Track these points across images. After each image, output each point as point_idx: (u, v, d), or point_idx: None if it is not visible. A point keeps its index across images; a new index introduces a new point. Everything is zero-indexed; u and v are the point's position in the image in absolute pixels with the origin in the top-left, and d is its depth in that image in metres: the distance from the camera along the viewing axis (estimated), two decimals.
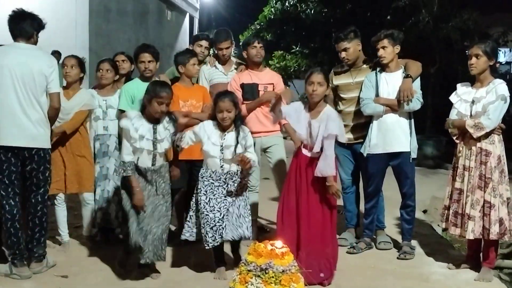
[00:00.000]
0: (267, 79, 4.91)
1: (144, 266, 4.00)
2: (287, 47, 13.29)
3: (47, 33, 4.23)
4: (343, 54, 4.76)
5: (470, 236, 4.10)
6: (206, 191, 3.97)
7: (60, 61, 4.48)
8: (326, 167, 3.89)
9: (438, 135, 10.08)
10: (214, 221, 3.92)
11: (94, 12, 8.98)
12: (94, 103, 4.60)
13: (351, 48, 4.73)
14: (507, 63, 17.27)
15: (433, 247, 4.88)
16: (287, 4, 13.45)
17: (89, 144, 4.61)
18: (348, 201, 4.99)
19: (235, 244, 4.20)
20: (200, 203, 3.98)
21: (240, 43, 14.40)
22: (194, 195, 4.09)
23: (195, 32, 15.21)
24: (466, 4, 10.45)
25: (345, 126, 4.75)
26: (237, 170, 4.01)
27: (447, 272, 4.30)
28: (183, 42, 14.51)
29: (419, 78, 4.61)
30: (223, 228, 3.94)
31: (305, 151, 4.08)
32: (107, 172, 4.64)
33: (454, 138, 4.27)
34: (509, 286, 4.53)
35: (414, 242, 4.82)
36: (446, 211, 4.29)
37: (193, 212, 4.07)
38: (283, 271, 3.15)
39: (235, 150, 3.95)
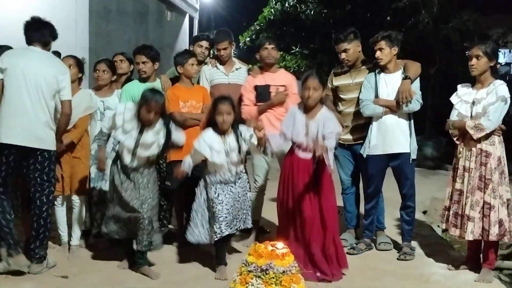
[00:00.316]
0: (280, 80, 4.88)
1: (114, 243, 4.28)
2: (287, 48, 13.29)
3: None
4: (343, 55, 4.76)
5: (469, 237, 4.10)
6: (216, 189, 4.05)
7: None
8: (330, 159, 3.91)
9: (438, 136, 10.08)
10: (222, 211, 3.99)
11: (94, 12, 8.97)
12: (95, 104, 4.60)
13: (351, 49, 4.73)
14: (507, 64, 17.28)
15: (433, 248, 4.88)
16: (286, 5, 13.45)
17: (88, 146, 4.59)
18: (348, 202, 4.99)
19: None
20: (211, 199, 4.06)
21: (240, 44, 14.39)
22: (197, 195, 4.15)
23: (195, 32, 15.20)
24: (466, 5, 10.44)
25: (345, 127, 4.77)
26: (242, 170, 4.15)
27: (447, 273, 4.30)
28: (183, 42, 14.49)
29: (418, 79, 4.61)
30: (229, 220, 4.01)
31: (298, 151, 4.08)
32: (104, 173, 4.63)
33: (455, 139, 4.27)
34: (509, 287, 4.54)
35: (414, 243, 4.83)
36: (446, 212, 4.30)
37: (195, 213, 4.15)
38: (283, 271, 3.16)
39: (239, 152, 4.03)
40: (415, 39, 10.16)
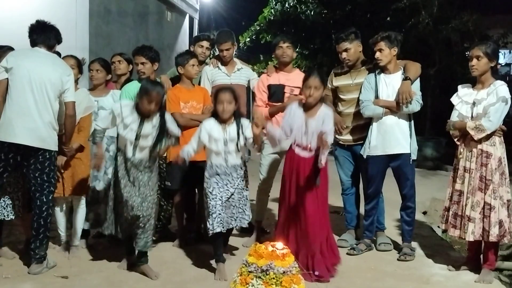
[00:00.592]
0: (295, 81, 4.78)
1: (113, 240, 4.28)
2: (293, 47, 13.27)
3: None
4: (344, 55, 4.76)
5: (470, 238, 4.10)
6: (210, 177, 4.04)
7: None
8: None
9: (438, 137, 10.09)
10: (215, 207, 3.97)
11: (94, 12, 8.97)
12: (93, 102, 4.60)
13: (352, 48, 4.72)
14: (507, 64, 17.29)
15: (433, 249, 4.88)
16: (286, 5, 13.44)
17: (89, 146, 4.57)
18: (348, 203, 4.99)
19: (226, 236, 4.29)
20: (204, 191, 4.07)
21: (240, 44, 14.37)
22: (204, 195, 4.16)
23: (195, 33, 15.19)
24: (466, 5, 10.45)
25: (345, 127, 4.77)
26: (240, 163, 4.09)
27: (447, 273, 4.30)
28: (183, 43, 14.49)
29: (418, 80, 4.61)
30: (222, 217, 4.00)
31: (298, 150, 4.09)
32: (97, 173, 4.63)
33: (455, 139, 4.27)
34: (509, 287, 4.53)
35: (414, 244, 4.83)
36: (446, 212, 4.29)
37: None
38: (283, 272, 3.15)
39: (237, 143, 4.02)
40: (415, 39, 10.17)
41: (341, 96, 4.85)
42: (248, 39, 14.03)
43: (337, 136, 4.74)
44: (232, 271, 3.68)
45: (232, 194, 4.06)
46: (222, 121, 4.04)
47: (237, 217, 4.11)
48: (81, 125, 4.43)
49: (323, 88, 4.11)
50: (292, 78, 4.86)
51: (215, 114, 4.09)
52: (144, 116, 3.94)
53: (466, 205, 4.11)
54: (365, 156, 4.63)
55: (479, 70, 4.13)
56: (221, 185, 4.03)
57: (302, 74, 5.07)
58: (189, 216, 5.02)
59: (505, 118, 4.13)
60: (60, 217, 4.56)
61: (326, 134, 3.85)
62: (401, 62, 4.66)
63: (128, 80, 4.97)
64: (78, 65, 4.58)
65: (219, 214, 3.99)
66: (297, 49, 12.92)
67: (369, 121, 4.63)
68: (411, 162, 4.58)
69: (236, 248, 4.68)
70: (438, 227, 5.36)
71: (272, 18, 13.68)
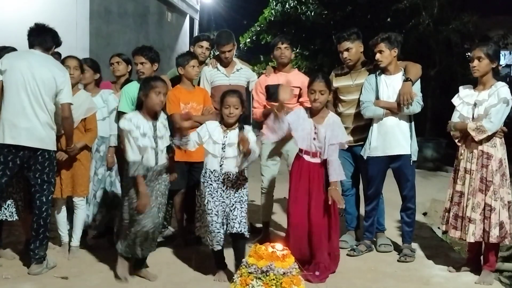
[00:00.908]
0: (295, 81, 4.75)
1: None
2: (292, 48, 13.27)
3: None
4: (345, 54, 4.75)
5: (470, 239, 4.09)
6: (206, 193, 3.91)
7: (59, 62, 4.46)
8: (337, 173, 3.96)
9: (438, 138, 10.09)
10: (212, 224, 3.87)
11: (95, 13, 8.97)
12: (95, 103, 4.59)
13: (354, 48, 4.72)
14: (507, 65, 17.29)
15: (433, 250, 4.88)
16: (287, 6, 13.43)
17: (89, 147, 4.58)
18: (348, 204, 4.97)
19: (236, 242, 3.98)
20: (201, 207, 3.98)
21: (240, 45, 14.33)
22: (197, 198, 4.07)
23: (195, 33, 15.19)
24: (466, 6, 10.45)
25: (345, 128, 4.76)
26: (236, 172, 3.89)
27: (447, 275, 4.30)
28: (183, 43, 14.49)
29: (419, 81, 4.61)
30: (221, 233, 3.88)
31: (307, 158, 4.08)
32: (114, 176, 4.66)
33: (456, 140, 4.27)
34: None
35: (414, 245, 4.83)
36: (446, 213, 4.29)
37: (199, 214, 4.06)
38: (284, 273, 3.15)
39: (238, 148, 3.86)
40: (415, 40, 10.17)
41: (342, 97, 4.85)
42: (249, 40, 14.03)
43: None
44: (232, 271, 3.68)
45: (228, 205, 3.88)
46: (226, 125, 3.93)
47: (240, 221, 3.87)
48: (88, 126, 4.44)
49: (329, 92, 4.08)
50: (291, 78, 4.81)
51: (220, 119, 3.96)
52: (152, 118, 3.87)
53: (466, 206, 4.11)
54: (365, 157, 4.63)
55: (480, 71, 4.13)
56: (216, 198, 3.88)
57: (301, 74, 5.09)
58: (189, 217, 5.02)
59: (506, 120, 4.13)
60: (60, 217, 4.56)
61: (331, 151, 3.95)
62: (402, 63, 4.66)
63: (128, 81, 4.97)
64: (81, 66, 4.58)
65: (218, 232, 3.87)
66: (298, 50, 12.96)
67: (369, 122, 4.63)
68: (411, 163, 4.58)
69: None
70: (438, 228, 5.35)
71: (272, 19, 13.67)
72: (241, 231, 3.84)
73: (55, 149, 4.15)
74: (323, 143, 4.01)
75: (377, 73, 4.61)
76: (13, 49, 4.44)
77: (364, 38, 4.79)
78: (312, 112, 4.09)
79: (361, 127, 4.74)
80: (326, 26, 12.51)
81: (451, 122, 4.27)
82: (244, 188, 3.95)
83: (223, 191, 3.89)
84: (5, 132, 3.93)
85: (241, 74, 5.12)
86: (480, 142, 4.08)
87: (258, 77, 5.21)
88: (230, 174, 3.88)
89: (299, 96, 4.81)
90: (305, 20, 13.01)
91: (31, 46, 4.15)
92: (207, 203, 3.89)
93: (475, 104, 4.14)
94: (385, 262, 4.54)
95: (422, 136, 9.59)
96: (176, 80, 4.87)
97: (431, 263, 4.56)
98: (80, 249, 4.59)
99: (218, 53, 5.15)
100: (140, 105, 3.91)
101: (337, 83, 4.87)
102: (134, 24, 11.08)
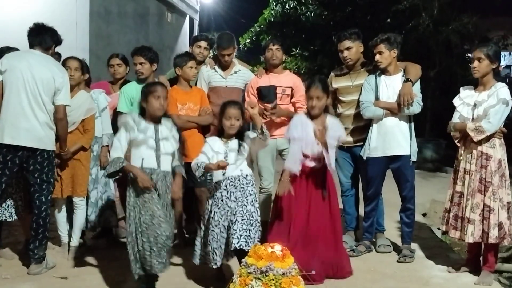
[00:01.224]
0: (286, 82, 4.80)
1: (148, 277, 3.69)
2: (287, 50, 13.16)
3: None
4: (345, 53, 4.74)
5: (469, 239, 4.10)
6: (212, 205, 3.82)
7: (59, 63, 4.46)
8: (291, 161, 3.93)
9: (438, 138, 10.09)
10: (217, 235, 3.76)
11: (95, 13, 8.99)
12: (94, 104, 4.59)
13: (354, 47, 4.72)
14: (507, 66, 17.31)
15: (433, 251, 4.88)
16: (287, 6, 13.44)
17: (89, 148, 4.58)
18: (347, 204, 4.99)
19: (239, 257, 3.74)
20: (205, 220, 3.86)
21: (240, 45, 14.32)
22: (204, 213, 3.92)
23: (195, 34, 15.22)
24: (466, 7, 10.45)
25: (345, 129, 4.76)
26: (238, 175, 3.81)
27: (447, 275, 4.30)
28: (183, 44, 14.51)
29: (419, 81, 4.61)
30: (221, 249, 3.77)
31: (307, 162, 4.07)
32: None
33: (456, 141, 4.28)
34: None
35: (414, 245, 4.82)
36: (446, 214, 4.30)
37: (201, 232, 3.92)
38: (283, 273, 3.15)
39: (238, 152, 3.81)
40: (415, 41, 10.17)
41: (341, 98, 4.85)
42: (248, 40, 14.04)
43: None
44: (232, 272, 3.69)
45: (230, 211, 3.75)
46: (226, 136, 3.86)
47: (240, 235, 3.67)
48: (85, 127, 4.44)
49: (327, 97, 4.07)
50: (283, 80, 4.83)
51: (220, 131, 3.88)
52: (154, 121, 3.69)
53: (466, 206, 4.11)
54: (365, 158, 4.63)
55: (480, 72, 4.13)
56: (222, 207, 3.77)
57: (292, 74, 5.08)
58: (188, 217, 5.02)
59: (506, 120, 4.13)
60: (60, 217, 4.56)
61: (330, 137, 3.90)
62: (401, 63, 4.67)
63: (125, 82, 4.96)
64: (82, 67, 4.57)
65: (221, 246, 3.76)
66: (297, 51, 12.98)
67: (368, 122, 4.63)
68: (411, 164, 4.58)
69: None
70: (438, 229, 5.35)
71: (272, 20, 13.69)
72: (240, 246, 3.64)
73: (54, 149, 4.15)
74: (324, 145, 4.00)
75: (377, 73, 4.61)
76: (17, 50, 4.44)
77: (364, 39, 4.79)
78: (312, 117, 4.09)
79: (360, 128, 4.74)
80: (326, 27, 12.52)
81: (451, 122, 4.28)
82: (250, 195, 3.81)
83: (228, 198, 3.79)
84: (4, 132, 3.94)
85: (239, 76, 5.05)
86: (479, 143, 4.08)
87: None
88: (232, 178, 3.82)
89: (292, 96, 4.81)
90: (305, 20, 13.02)
91: (31, 46, 4.16)
92: (214, 214, 3.78)
93: (475, 105, 4.15)
94: (384, 262, 4.54)
95: (422, 137, 9.60)
96: (175, 81, 4.87)
97: (431, 263, 4.56)
98: (80, 249, 4.58)
99: (219, 56, 5.08)
100: (142, 110, 3.74)
101: (336, 84, 4.88)
102: (134, 24, 11.09)
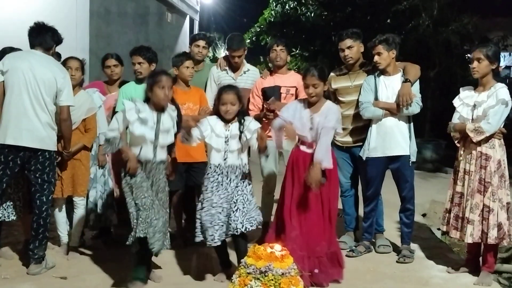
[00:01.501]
0: (291, 82, 4.81)
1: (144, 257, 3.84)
2: (287, 50, 13.28)
3: None
4: (346, 52, 4.74)
5: (469, 240, 4.10)
6: (212, 188, 3.88)
7: (59, 62, 4.46)
8: (323, 156, 3.84)
9: (438, 139, 10.09)
10: (215, 216, 3.81)
11: (95, 13, 8.99)
12: (95, 103, 4.59)
13: (355, 47, 4.72)
14: (507, 67, 17.32)
15: (432, 251, 4.88)
16: (287, 7, 13.45)
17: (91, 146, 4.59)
18: (347, 204, 4.99)
19: (237, 243, 3.92)
20: (204, 200, 3.90)
21: None
22: (201, 194, 3.98)
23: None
24: (466, 8, 10.45)
25: (344, 129, 4.77)
26: (239, 164, 3.91)
27: (446, 276, 4.30)
28: (183, 44, 14.50)
29: (418, 82, 4.61)
30: (220, 225, 3.82)
31: (303, 148, 4.08)
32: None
33: (456, 141, 4.28)
34: None
35: (413, 246, 4.82)
36: (447, 214, 4.30)
37: (198, 213, 3.96)
38: (282, 274, 3.15)
39: (239, 140, 3.86)
40: (415, 42, 10.19)
41: (340, 98, 4.85)
42: (248, 41, 14.05)
43: (336, 138, 4.74)
44: (231, 272, 3.68)
45: (232, 197, 3.87)
46: (225, 121, 3.93)
47: (242, 221, 3.82)
48: (87, 126, 4.45)
49: (323, 83, 4.02)
50: (288, 80, 4.87)
51: (218, 114, 3.95)
52: (158, 109, 3.78)
53: (465, 207, 4.12)
54: (364, 158, 4.63)
55: (480, 72, 4.13)
56: (221, 191, 3.86)
57: (296, 74, 5.06)
58: (188, 217, 5.02)
59: (505, 121, 4.13)
60: (60, 217, 4.56)
61: (322, 134, 3.85)
62: (400, 64, 4.67)
63: (123, 82, 4.95)
64: (82, 67, 4.58)
65: (221, 226, 3.82)
66: (297, 51, 12.99)
67: (368, 123, 4.63)
68: (410, 164, 4.58)
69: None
70: (438, 229, 5.36)
71: (272, 20, 13.70)
72: (245, 229, 3.81)
73: (56, 149, 4.15)
74: (316, 131, 3.96)
75: (376, 74, 4.62)
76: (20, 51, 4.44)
77: (364, 39, 4.80)
78: (309, 103, 4.08)
79: (360, 128, 4.74)
80: (326, 27, 12.53)
81: (451, 123, 4.28)
82: (249, 184, 3.94)
83: (228, 184, 3.88)
84: (7, 132, 3.93)
85: (249, 76, 5.11)
86: (479, 143, 4.08)
87: None
88: (234, 166, 3.89)
89: (296, 96, 4.81)
90: (305, 21, 13.03)
91: (32, 46, 4.15)
92: (213, 196, 3.85)
93: (474, 106, 4.15)
94: (384, 263, 4.54)
95: (421, 137, 9.60)
96: (173, 81, 4.86)
97: (430, 264, 4.56)
98: (79, 249, 4.58)
99: (229, 57, 5.10)
100: (147, 99, 3.83)
101: (336, 84, 4.88)
102: (134, 24, 11.09)
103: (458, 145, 4.27)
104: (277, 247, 3.29)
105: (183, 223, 5.01)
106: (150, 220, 3.69)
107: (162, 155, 3.84)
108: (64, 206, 4.57)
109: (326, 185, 3.98)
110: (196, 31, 16.23)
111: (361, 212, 4.99)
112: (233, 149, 3.89)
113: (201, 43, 5.20)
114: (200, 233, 3.90)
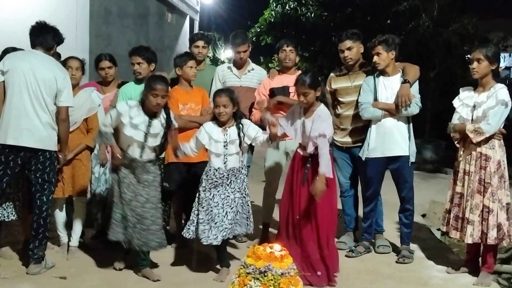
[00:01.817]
0: None
1: (128, 253, 4.13)
2: (296, 51, 13.28)
3: None
4: (346, 53, 4.74)
5: (468, 240, 4.10)
6: (210, 188, 3.99)
7: (59, 62, 4.46)
8: (326, 168, 3.86)
9: (437, 139, 10.09)
10: (218, 217, 3.94)
11: (95, 14, 9.00)
12: (95, 103, 4.59)
13: (355, 48, 4.72)
14: (507, 68, 17.32)
15: (432, 251, 4.88)
16: (287, 7, 13.45)
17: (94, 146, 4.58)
18: (346, 205, 5.00)
19: (225, 241, 4.10)
20: (203, 200, 3.99)
21: None
22: (197, 194, 4.08)
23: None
24: (466, 9, 10.46)
25: (344, 129, 4.79)
26: (239, 166, 4.03)
27: (446, 276, 4.30)
28: (183, 44, 14.51)
29: (417, 82, 4.61)
30: (225, 227, 3.94)
31: (300, 151, 4.12)
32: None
33: (456, 142, 4.28)
34: None
35: (413, 246, 4.83)
36: (447, 214, 4.30)
37: (196, 210, 4.07)
38: (282, 274, 3.15)
39: (240, 144, 3.99)
40: (415, 42, 10.18)
41: (340, 99, 4.85)
42: None
43: (335, 138, 4.75)
44: (230, 272, 3.68)
45: (234, 200, 4.00)
46: (222, 124, 4.02)
47: (241, 223, 4.08)
48: (89, 126, 4.46)
49: (315, 91, 3.98)
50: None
51: (215, 117, 4.07)
52: (151, 115, 3.94)
53: (465, 207, 4.12)
54: (363, 158, 4.63)
55: (479, 73, 4.13)
56: (221, 192, 4.00)
57: None
58: (188, 217, 5.01)
59: (505, 122, 4.13)
60: (60, 217, 4.56)
61: (319, 145, 3.87)
62: (400, 64, 4.67)
63: (123, 82, 4.94)
64: (82, 67, 4.57)
65: (222, 224, 3.94)
66: (298, 51, 13.00)
67: (367, 123, 4.63)
68: (409, 165, 4.58)
69: (235, 247, 4.69)
70: (438, 229, 5.36)
71: (272, 20, 13.69)
72: (248, 231, 4.13)
73: (56, 149, 4.15)
74: (308, 136, 3.98)
75: (375, 74, 4.62)
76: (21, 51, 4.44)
77: (364, 40, 4.80)
78: (305, 109, 4.10)
79: (359, 129, 4.74)
80: (326, 27, 12.53)
81: (451, 123, 4.28)
82: (245, 183, 4.08)
83: (228, 185, 3.99)
84: (7, 132, 3.93)
85: (254, 75, 5.13)
86: (479, 144, 4.08)
87: None
88: (234, 169, 4.02)
89: None
90: (305, 21, 13.03)
91: (33, 46, 4.15)
92: (213, 197, 3.97)
93: (474, 106, 4.15)
94: (383, 263, 4.55)
95: (421, 138, 9.60)
96: (176, 81, 4.87)
97: (430, 264, 4.57)
98: (79, 249, 4.59)
99: (234, 54, 5.13)
100: (142, 101, 3.97)
101: (335, 84, 4.88)
102: (134, 24, 11.10)
103: (458, 145, 4.27)
104: (277, 247, 3.30)
105: (183, 223, 5.00)
106: (128, 217, 3.92)
107: (149, 155, 4.01)
108: (64, 206, 4.57)
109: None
110: (196, 31, 16.24)
111: (360, 212, 4.99)
112: (232, 152, 4.01)
113: (200, 43, 5.20)
114: (193, 230, 4.03)
